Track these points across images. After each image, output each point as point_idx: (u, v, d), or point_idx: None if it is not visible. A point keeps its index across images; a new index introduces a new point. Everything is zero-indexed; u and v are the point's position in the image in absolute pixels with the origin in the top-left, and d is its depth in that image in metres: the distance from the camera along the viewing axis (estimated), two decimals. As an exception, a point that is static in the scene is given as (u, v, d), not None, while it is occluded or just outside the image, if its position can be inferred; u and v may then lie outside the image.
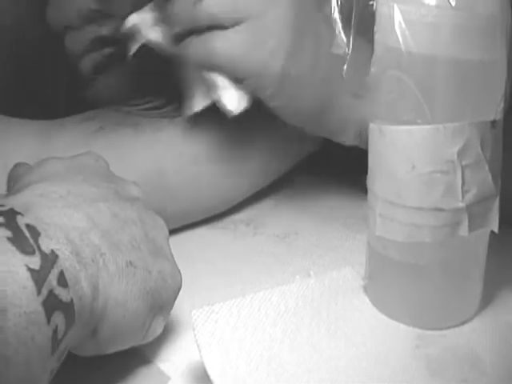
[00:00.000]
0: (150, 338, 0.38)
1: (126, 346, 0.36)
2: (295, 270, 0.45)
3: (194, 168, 0.47)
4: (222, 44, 0.40)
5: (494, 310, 0.41)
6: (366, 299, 0.42)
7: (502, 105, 0.36)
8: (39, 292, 0.28)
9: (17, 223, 0.30)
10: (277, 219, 0.53)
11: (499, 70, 0.36)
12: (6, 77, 0.54)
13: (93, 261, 0.32)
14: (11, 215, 0.30)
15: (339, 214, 0.52)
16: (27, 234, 0.29)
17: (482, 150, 0.36)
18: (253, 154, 0.49)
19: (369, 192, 0.40)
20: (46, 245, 0.30)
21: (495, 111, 0.36)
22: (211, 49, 0.41)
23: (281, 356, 0.37)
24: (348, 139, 0.46)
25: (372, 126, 0.38)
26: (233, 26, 0.40)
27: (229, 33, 0.40)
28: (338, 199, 0.51)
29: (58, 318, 0.29)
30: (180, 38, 0.42)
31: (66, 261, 0.30)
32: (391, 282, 0.40)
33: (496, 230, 0.38)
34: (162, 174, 0.46)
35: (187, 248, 0.49)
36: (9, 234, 0.29)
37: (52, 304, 0.29)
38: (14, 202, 0.32)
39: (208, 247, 0.51)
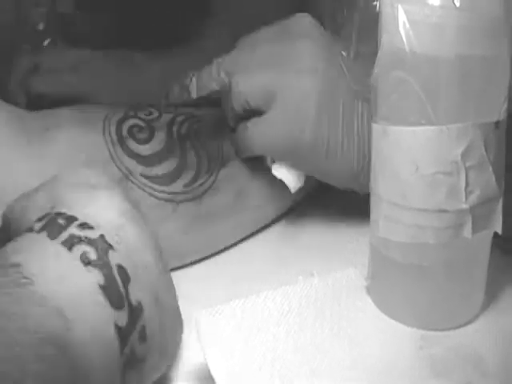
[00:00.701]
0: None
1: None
2: (298, 271, 0.45)
3: (186, 260, 0.48)
4: (255, 132, 0.44)
5: (496, 310, 0.41)
6: (369, 300, 0.41)
7: (505, 105, 0.36)
8: (122, 352, 0.26)
9: (109, 263, 0.26)
10: (280, 220, 0.53)
11: (503, 71, 0.36)
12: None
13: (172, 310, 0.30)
14: (104, 249, 0.27)
15: (342, 215, 0.52)
16: (118, 280, 0.26)
17: (486, 151, 0.36)
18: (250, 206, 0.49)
19: (371, 193, 0.39)
20: (135, 295, 0.27)
21: (499, 112, 0.36)
22: (248, 138, 0.45)
23: (284, 357, 0.37)
24: None
25: (376, 127, 0.38)
26: (263, 108, 0.43)
27: (260, 121, 0.43)
28: (341, 200, 0.51)
29: (130, 377, 0.27)
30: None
31: (149, 313, 0.28)
32: (394, 282, 0.40)
33: (499, 231, 0.38)
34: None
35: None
36: (101, 279, 0.26)
37: (130, 363, 0.27)
38: (103, 223, 0.28)
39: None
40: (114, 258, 0.27)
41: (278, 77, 0.43)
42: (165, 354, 0.31)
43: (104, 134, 0.45)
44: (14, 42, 0.56)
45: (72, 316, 0.24)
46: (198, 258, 0.48)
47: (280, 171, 0.46)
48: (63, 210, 0.28)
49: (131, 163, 0.45)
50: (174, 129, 0.48)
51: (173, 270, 0.45)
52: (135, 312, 0.27)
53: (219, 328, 0.37)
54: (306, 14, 0.45)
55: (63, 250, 0.26)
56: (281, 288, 0.40)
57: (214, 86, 0.45)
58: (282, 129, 0.43)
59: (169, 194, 0.45)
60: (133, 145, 0.46)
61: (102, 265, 0.26)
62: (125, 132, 0.46)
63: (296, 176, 0.47)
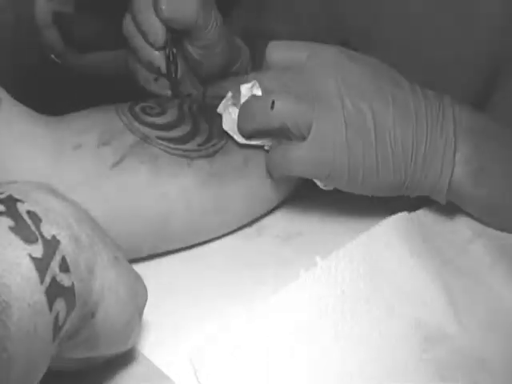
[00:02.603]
0: (131, 345, 0.38)
1: (114, 348, 0.37)
2: (299, 271, 0.45)
3: (200, 219, 0.49)
4: (294, 157, 0.47)
5: (497, 310, 0.41)
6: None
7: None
8: (42, 281, 0.28)
9: (18, 210, 0.29)
10: (280, 220, 0.53)
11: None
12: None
13: (90, 247, 0.33)
14: (12, 202, 0.30)
15: (342, 214, 0.52)
16: (29, 221, 0.29)
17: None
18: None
19: None
20: (48, 231, 0.30)
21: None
22: (288, 158, 0.47)
23: (287, 361, 0.37)
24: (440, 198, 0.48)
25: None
26: (299, 132, 0.47)
27: (299, 147, 0.47)
28: (340, 200, 0.51)
29: (60, 305, 0.29)
30: (255, 133, 0.49)
31: (67, 245, 0.30)
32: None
33: None
34: (168, 222, 0.47)
35: (189, 248, 0.49)
36: (11, 222, 0.29)
37: (54, 291, 0.29)
38: (12, 189, 0.31)
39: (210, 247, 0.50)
40: (23, 207, 0.30)
41: (315, 108, 0.46)
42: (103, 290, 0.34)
43: (117, 113, 0.48)
44: (13, 40, 0.56)
45: None
46: (212, 218, 0.49)
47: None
48: None
49: (147, 130, 0.48)
50: (185, 107, 0.51)
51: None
52: (51, 244, 0.29)
53: (215, 364, 0.38)
54: (337, 48, 0.48)
55: None
56: (274, 298, 0.40)
57: (270, 124, 0.48)
58: (318, 156, 0.46)
59: (183, 151, 0.48)
60: (146, 117, 0.49)
61: (10, 212, 0.29)
62: (138, 110, 0.49)
63: None
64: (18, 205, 0.30)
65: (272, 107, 0.47)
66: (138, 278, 0.38)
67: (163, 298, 0.44)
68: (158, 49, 0.53)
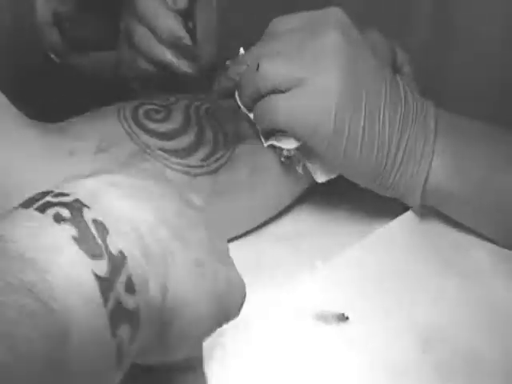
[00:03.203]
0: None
1: (190, 354, 0.33)
2: (300, 270, 0.45)
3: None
4: (282, 104, 0.45)
5: (496, 309, 0.41)
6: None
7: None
8: (106, 303, 0.25)
9: (83, 218, 0.26)
10: (280, 220, 0.53)
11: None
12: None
13: (162, 258, 0.29)
14: (78, 208, 0.27)
15: (342, 215, 0.52)
16: (95, 232, 0.26)
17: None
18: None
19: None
20: (115, 244, 0.27)
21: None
22: (274, 109, 0.45)
23: (289, 365, 0.37)
24: (414, 201, 0.47)
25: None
26: (288, 89, 0.45)
27: (288, 95, 0.45)
28: (340, 201, 0.51)
29: (124, 331, 0.26)
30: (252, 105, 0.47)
31: (135, 262, 0.27)
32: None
33: None
34: None
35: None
36: (74, 232, 0.26)
37: (118, 315, 0.26)
38: (80, 191, 0.28)
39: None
40: (89, 214, 0.27)
41: (306, 66, 0.45)
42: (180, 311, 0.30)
43: (119, 116, 0.46)
44: (13, 40, 0.55)
45: (46, 267, 0.24)
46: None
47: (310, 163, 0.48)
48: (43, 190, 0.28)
49: (148, 138, 0.46)
50: (191, 111, 0.49)
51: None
52: (117, 260, 0.26)
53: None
54: (337, 9, 0.47)
55: (36, 213, 0.26)
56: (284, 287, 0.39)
57: (259, 86, 0.46)
58: (308, 105, 0.44)
59: (184, 166, 0.46)
60: (149, 124, 0.46)
61: (75, 220, 0.26)
62: (141, 114, 0.47)
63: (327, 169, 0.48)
64: (85, 211, 0.27)
65: (257, 69, 0.45)
66: (231, 282, 0.33)
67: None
68: (179, 11, 0.51)
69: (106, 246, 0.26)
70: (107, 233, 0.27)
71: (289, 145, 0.47)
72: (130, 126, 0.46)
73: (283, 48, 0.46)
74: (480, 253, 0.46)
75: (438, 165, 0.45)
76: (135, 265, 0.27)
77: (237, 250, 0.49)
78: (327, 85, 0.44)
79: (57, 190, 0.28)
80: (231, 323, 0.34)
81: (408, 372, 0.37)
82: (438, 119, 0.46)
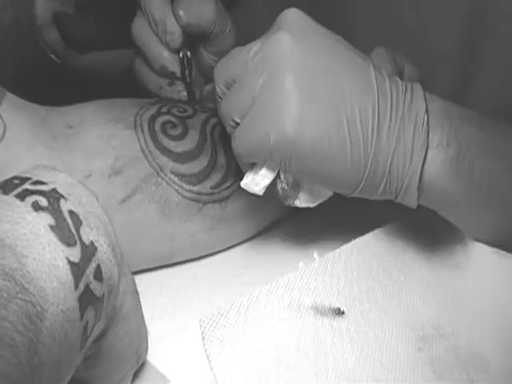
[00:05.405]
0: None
1: (114, 374, 0.35)
2: (295, 266, 0.45)
3: (204, 251, 0.48)
4: (236, 140, 0.42)
5: (493, 307, 0.41)
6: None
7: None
8: (76, 287, 0.27)
9: (60, 208, 0.28)
10: (280, 221, 0.53)
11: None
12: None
13: (121, 261, 0.31)
14: (55, 198, 0.28)
15: (342, 216, 0.52)
16: (70, 222, 0.28)
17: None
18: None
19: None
20: (87, 235, 0.28)
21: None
22: (235, 147, 0.42)
23: (288, 358, 0.36)
24: (411, 202, 0.42)
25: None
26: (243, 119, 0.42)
27: (238, 128, 0.42)
28: (340, 202, 0.51)
29: (90, 314, 0.28)
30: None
31: (104, 254, 0.29)
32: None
33: None
34: (171, 258, 0.47)
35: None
36: (51, 221, 0.27)
37: (86, 299, 0.28)
38: (57, 180, 0.29)
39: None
40: (66, 205, 0.28)
41: (254, 90, 0.41)
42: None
43: (136, 128, 0.46)
44: (13, 40, 0.56)
45: (24, 252, 0.26)
46: (217, 248, 0.49)
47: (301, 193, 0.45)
48: (21, 175, 0.30)
49: (162, 159, 0.45)
50: (208, 130, 0.48)
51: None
52: (88, 249, 0.28)
53: (224, 333, 0.36)
54: (294, 9, 0.42)
55: (16, 201, 0.28)
56: (282, 278, 0.39)
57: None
58: (260, 127, 0.40)
59: (195, 193, 0.46)
60: (165, 141, 0.46)
61: (53, 209, 0.28)
62: (157, 128, 0.46)
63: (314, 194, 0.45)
64: (62, 202, 0.28)
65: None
66: (145, 329, 0.37)
67: (158, 295, 0.44)
68: (173, 50, 0.51)
69: (80, 236, 0.28)
70: (81, 224, 0.28)
71: (266, 178, 0.42)
72: (145, 142, 0.45)
73: (237, 76, 0.42)
74: (478, 248, 0.45)
75: (436, 159, 0.40)
76: (103, 257, 0.29)
77: (234, 247, 0.50)
78: (281, 98, 0.39)
79: (35, 178, 0.29)
80: (228, 316, 0.36)
81: (404, 370, 0.37)
82: (428, 102, 0.40)
